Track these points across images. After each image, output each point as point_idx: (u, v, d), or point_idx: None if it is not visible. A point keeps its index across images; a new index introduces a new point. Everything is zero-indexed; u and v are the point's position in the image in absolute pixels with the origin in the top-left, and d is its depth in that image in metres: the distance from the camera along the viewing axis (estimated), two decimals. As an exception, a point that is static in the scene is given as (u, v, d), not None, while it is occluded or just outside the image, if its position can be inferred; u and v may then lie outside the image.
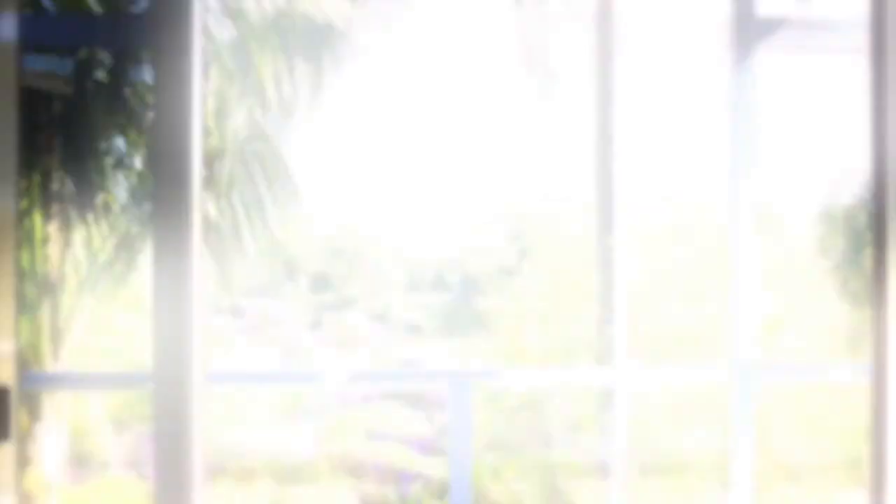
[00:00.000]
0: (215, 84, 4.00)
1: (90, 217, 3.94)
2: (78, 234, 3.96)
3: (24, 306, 3.97)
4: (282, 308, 13.34)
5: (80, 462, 5.48)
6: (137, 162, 3.97)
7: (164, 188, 1.72)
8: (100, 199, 3.94)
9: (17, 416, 3.96)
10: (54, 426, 4.12)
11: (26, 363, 3.95)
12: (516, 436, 5.79)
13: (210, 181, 4.07)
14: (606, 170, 5.23)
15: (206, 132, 3.98)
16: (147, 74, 3.62)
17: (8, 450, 1.45)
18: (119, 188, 3.99)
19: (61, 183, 3.87)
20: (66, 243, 3.97)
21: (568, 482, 5.41)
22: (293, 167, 4.55)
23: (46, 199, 3.88)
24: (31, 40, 2.77)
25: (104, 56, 3.65)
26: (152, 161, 1.78)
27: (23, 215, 3.88)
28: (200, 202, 1.79)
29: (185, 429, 1.65)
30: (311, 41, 4.42)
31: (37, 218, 3.91)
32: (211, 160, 4.06)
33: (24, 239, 3.88)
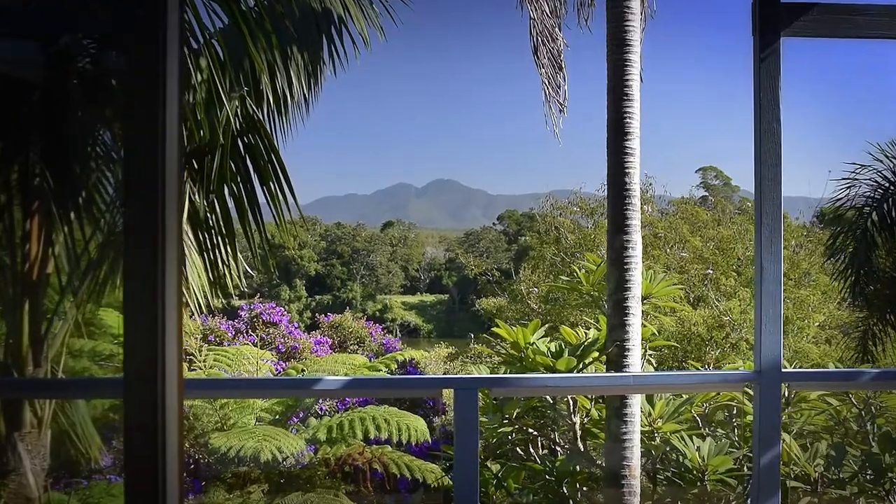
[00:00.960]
0: (205, 73, 3.80)
1: (73, 214, 3.74)
2: (60, 232, 3.75)
3: (4, 308, 3.78)
4: (278, 309, 13.19)
5: (66, 470, 5.29)
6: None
7: (137, 183, 1.55)
8: (84, 195, 3.75)
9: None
10: (36, 433, 3.92)
11: (6, 368, 3.76)
12: (522, 443, 5.62)
13: (200, 176, 3.87)
14: (620, 166, 5.03)
15: (196, 125, 3.79)
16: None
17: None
18: (104, 184, 3.80)
19: (42, 178, 3.67)
20: (48, 241, 3.77)
21: (576, 491, 5.23)
22: (288, 162, 4.36)
23: (26, 195, 3.68)
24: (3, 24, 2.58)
25: (88, 42, 3.46)
26: (126, 153, 1.62)
27: (2, 211, 3.69)
28: (180, 198, 1.62)
29: (160, 434, 1.52)
30: (307, 29, 4.24)
31: (17, 214, 3.71)
32: (201, 154, 3.86)
33: (4, 236, 3.69)
